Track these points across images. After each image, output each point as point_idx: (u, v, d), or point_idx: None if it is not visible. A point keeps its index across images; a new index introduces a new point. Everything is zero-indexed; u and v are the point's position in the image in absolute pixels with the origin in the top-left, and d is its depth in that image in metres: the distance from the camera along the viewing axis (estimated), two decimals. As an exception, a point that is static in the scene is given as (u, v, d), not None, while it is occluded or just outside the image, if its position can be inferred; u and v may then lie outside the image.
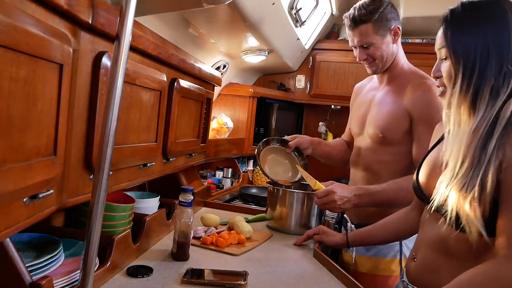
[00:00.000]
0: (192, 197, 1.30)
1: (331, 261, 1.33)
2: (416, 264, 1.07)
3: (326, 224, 1.78)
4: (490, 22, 0.91)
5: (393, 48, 1.56)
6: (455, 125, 0.94)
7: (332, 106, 3.16)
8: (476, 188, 0.86)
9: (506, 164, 0.85)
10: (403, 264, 1.51)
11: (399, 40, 1.58)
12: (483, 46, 0.90)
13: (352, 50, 1.64)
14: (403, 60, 1.62)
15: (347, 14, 1.57)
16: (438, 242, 1.00)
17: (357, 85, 1.88)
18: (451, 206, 0.91)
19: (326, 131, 3.20)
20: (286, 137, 1.90)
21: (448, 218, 0.92)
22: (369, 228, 1.38)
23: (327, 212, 1.84)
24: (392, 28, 1.53)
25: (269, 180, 1.81)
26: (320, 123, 3.23)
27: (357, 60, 1.61)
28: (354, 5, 1.56)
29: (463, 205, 0.88)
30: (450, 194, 0.91)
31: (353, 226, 1.68)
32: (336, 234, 1.49)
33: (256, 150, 1.86)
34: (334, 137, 3.09)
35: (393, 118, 1.53)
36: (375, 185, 1.51)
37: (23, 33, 0.61)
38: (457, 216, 0.90)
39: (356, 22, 1.52)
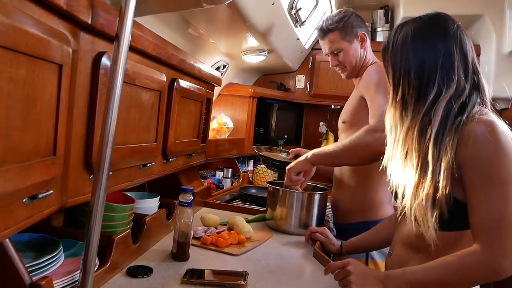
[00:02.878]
0: (192, 197, 1.30)
1: (331, 261, 1.33)
2: (391, 259, 1.17)
3: (326, 224, 1.78)
4: (414, 38, 1.01)
5: (362, 53, 1.70)
6: (392, 130, 1.05)
7: (332, 106, 3.16)
8: (430, 191, 0.94)
9: (461, 161, 0.92)
10: (369, 264, 1.57)
11: (367, 45, 1.72)
12: (406, 59, 1.00)
13: None
14: (371, 61, 1.74)
15: (317, 25, 1.74)
16: (406, 238, 1.11)
17: None
18: (408, 209, 1.01)
19: (327, 131, 3.19)
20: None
21: (408, 219, 1.03)
22: (362, 236, 1.42)
23: (327, 212, 1.84)
24: (358, 34, 1.68)
25: (263, 157, 1.98)
26: (321, 123, 3.22)
27: (330, 66, 1.77)
28: (323, 18, 1.76)
29: (417, 208, 0.97)
30: (406, 198, 1.01)
31: (331, 224, 1.80)
32: (335, 244, 1.48)
33: (256, 148, 2.06)
34: (335, 138, 3.10)
35: (351, 104, 1.73)
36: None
37: (23, 33, 0.61)
38: (415, 216, 1.00)
39: (324, 31, 1.69)
